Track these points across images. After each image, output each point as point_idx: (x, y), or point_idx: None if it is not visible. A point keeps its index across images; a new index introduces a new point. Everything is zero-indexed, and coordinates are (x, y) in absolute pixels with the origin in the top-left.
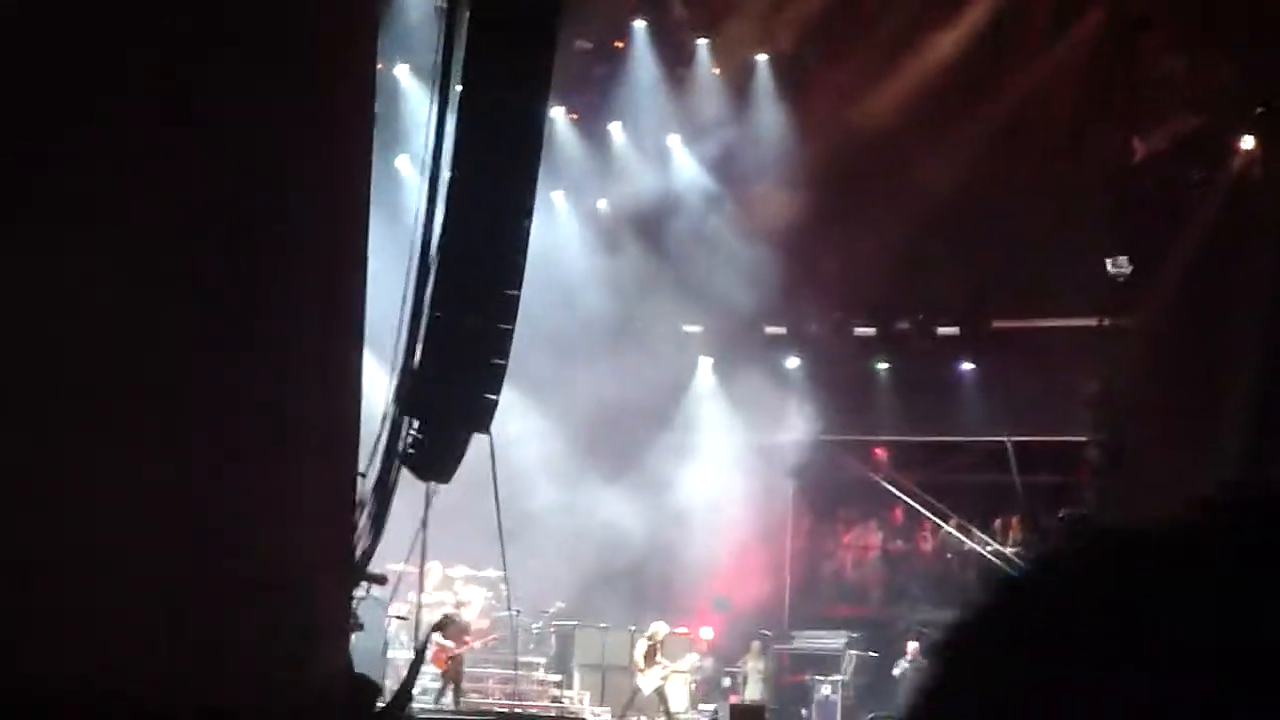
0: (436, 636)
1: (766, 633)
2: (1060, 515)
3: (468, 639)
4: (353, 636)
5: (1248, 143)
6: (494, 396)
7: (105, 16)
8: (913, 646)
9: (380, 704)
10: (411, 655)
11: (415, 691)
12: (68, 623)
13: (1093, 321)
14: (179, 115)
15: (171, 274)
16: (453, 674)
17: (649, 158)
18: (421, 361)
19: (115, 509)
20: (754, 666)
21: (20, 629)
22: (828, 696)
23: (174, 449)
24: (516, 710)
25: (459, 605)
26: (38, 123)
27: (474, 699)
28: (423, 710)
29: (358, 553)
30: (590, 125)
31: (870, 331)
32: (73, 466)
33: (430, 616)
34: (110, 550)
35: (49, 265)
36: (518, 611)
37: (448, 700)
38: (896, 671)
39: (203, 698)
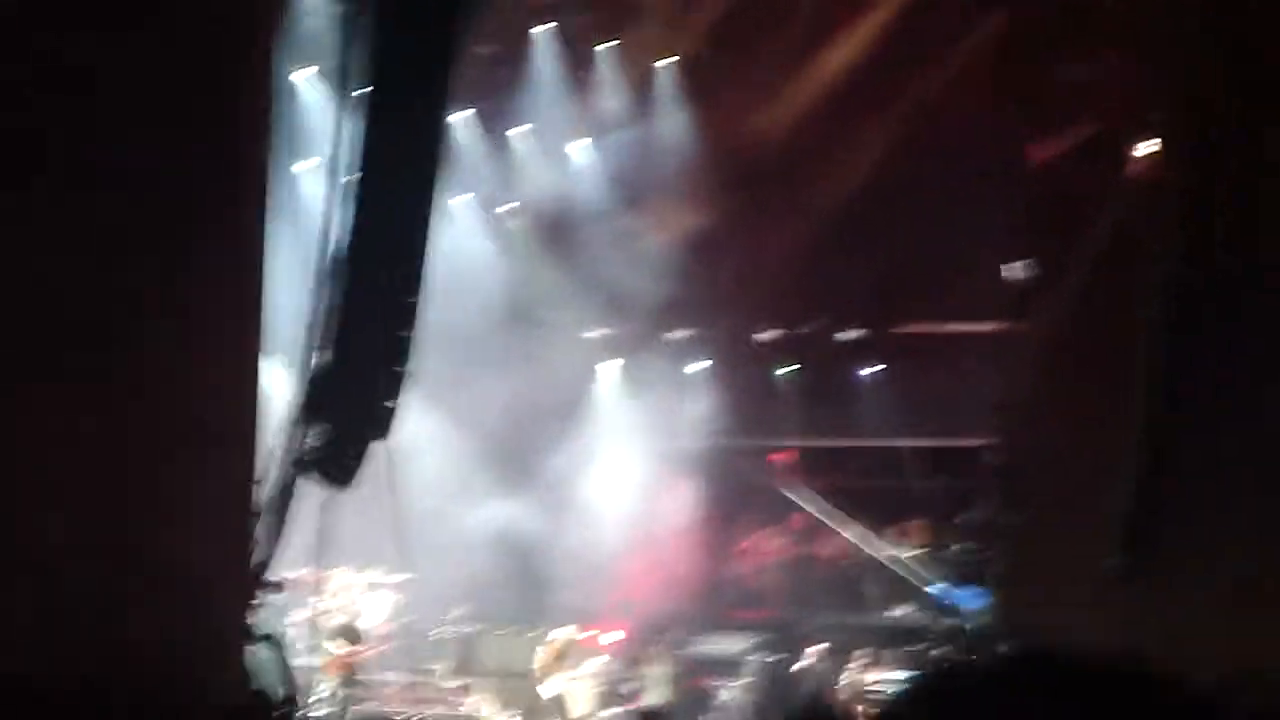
0: (329, 645)
1: (668, 637)
2: (959, 519)
3: (360, 646)
4: (252, 647)
5: (1148, 148)
6: (394, 403)
7: None
8: (813, 649)
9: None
10: (308, 664)
11: (311, 700)
12: None
13: (994, 326)
14: (74, 110)
15: (71, 272)
16: (346, 681)
17: (553, 162)
18: (321, 368)
19: (8, 507)
20: (655, 671)
21: None
22: (731, 700)
23: (71, 448)
24: (414, 718)
25: (355, 614)
26: None
27: (372, 706)
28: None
29: (256, 560)
30: (494, 130)
31: (773, 335)
32: None
33: (329, 624)
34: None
35: None
36: (416, 618)
37: (345, 707)
38: (799, 669)
39: (98, 700)
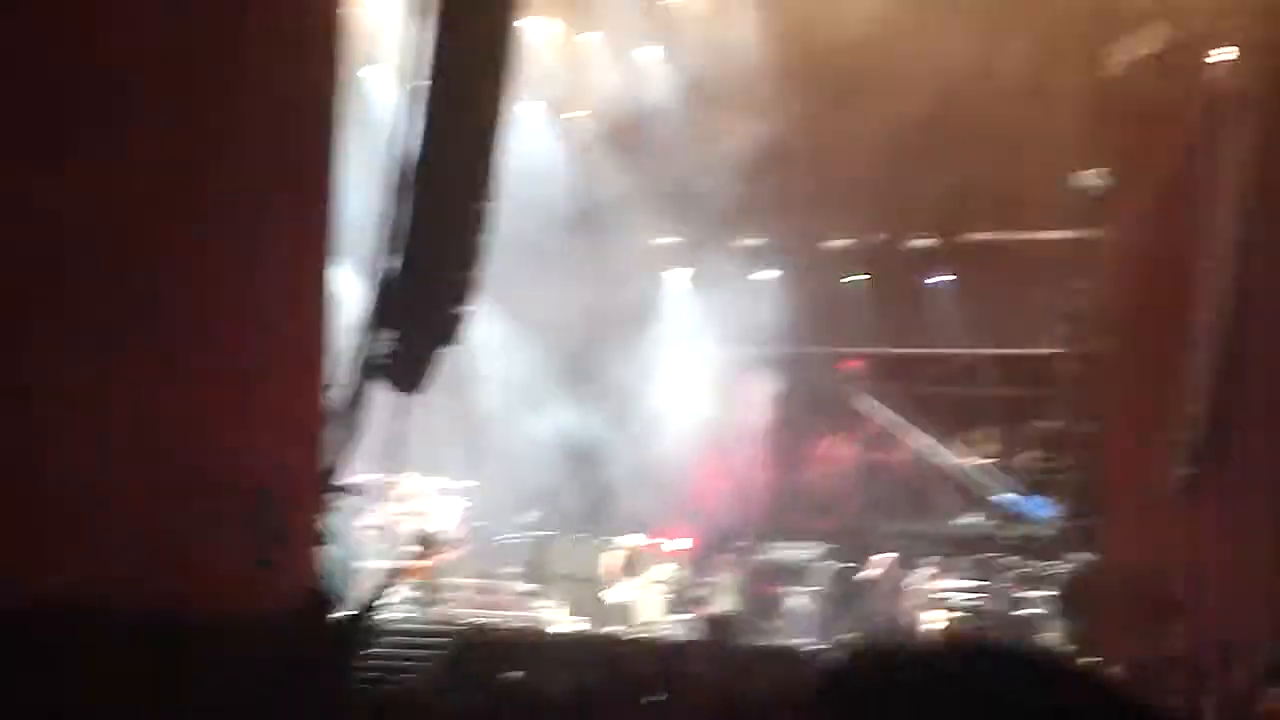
0: (407, 549)
1: (740, 543)
2: (1034, 428)
3: (436, 551)
4: (324, 549)
5: (1227, 55)
6: (464, 309)
7: None
8: (885, 557)
9: (342, 615)
10: (382, 567)
11: (381, 602)
12: (47, 533)
13: (1069, 235)
14: (150, 22)
15: (144, 186)
16: (423, 585)
17: (627, 69)
18: (394, 274)
19: (90, 416)
20: (723, 578)
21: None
22: (801, 606)
23: (149, 356)
24: (489, 620)
25: (426, 520)
26: None
27: (445, 609)
28: (390, 621)
29: (327, 464)
30: (567, 36)
31: (845, 244)
32: (49, 374)
33: (404, 529)
34: (87, 458)
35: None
36: (485, 523)
37: (423, 610)
38: (870, 578)
39: (173, 602)
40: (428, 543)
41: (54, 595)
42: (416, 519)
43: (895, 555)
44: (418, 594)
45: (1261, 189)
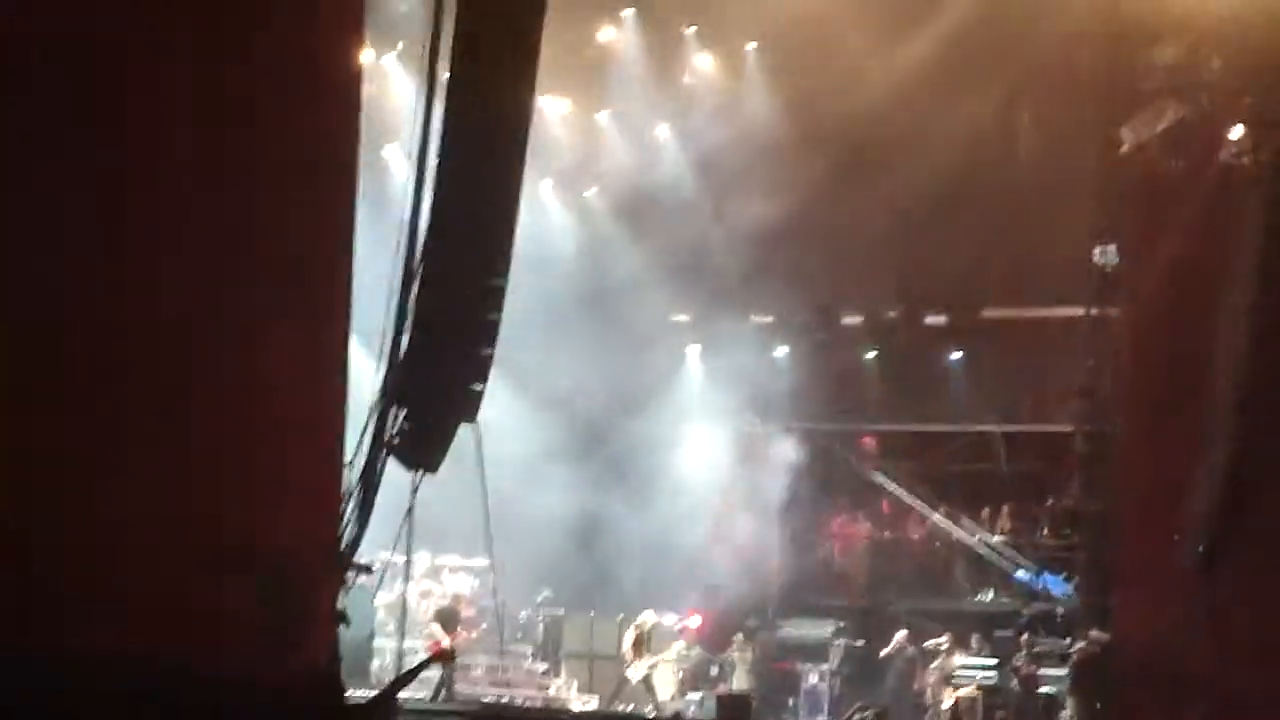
0: (434, 627)
1: (753, 622)
2: (1047, 504)
3: (459, 630)
4: (341, 626)
5: (1237, 133)
6: (481, 386)
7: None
8: (900, 634)
9: (363, 695)
10: (396, 643)
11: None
12: (64, 599)
13: (1080, 311)
14: (162, 97)
15: (161, 263)
16: (447, 663)
17: (638, 146)
18: (408, 351)
19: (109, 489)
20: (741, 656)
21: (22, 603)
22: (815, 685)
23: (166, 431)
24: (503, 700)
25: (456, 598)
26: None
27: (460, 687)
28: (408, 702)
29: (344, 541)
30: (579, 114)
31: (858, 321)
32: (69, 448)
33: (419, 605)
34: (103, 529)
35: (38, 261)
36: (504, 601)
37: (448, 688)
38: (884, 655)
39: (188, 675)
40: (452, 621)
41: (69, 661)
42: (431, 598)
43: (907, 632)
44: (446, 671)
45: (1274, 264)
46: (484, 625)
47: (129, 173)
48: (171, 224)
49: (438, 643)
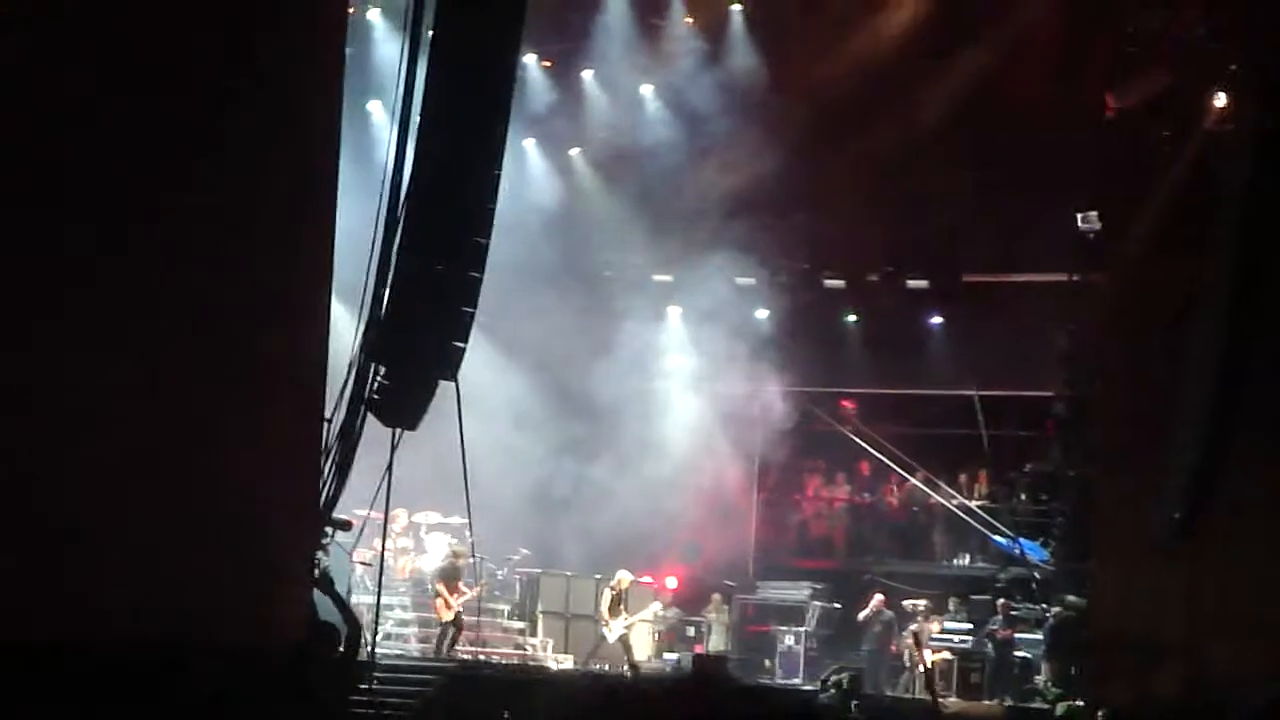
0: (439, 586)
1: (731, 583)
2: (1026, 470)
3: (461, 586)
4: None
5: (1220, 101)
6: (462, 344)
7: None
8: (877, 598)
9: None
10: (373, 600)
11: (382, 636)
12: (48, 564)
13: (1062, 277)
14: (148, 52)
15: (146, 217)
16: (457, 621)
17: (622, 106)
18: (389, 308)
19: (84, 452)
20: (717, 617)
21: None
22: (791, 647)
23: (144, 389)
24: (480, 657)
25: (456, 554)
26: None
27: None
28: (386, 655)
29: (323, 498)
30: (563, 72)
31: (840, 284)
32: (45, 407)
33: (396, 563)
34: (78, 492)
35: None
36: (482, 558)
37: (458, 651)
38: (861, 618)
39: (166, 637)
40: (453, 579)
41: (54, 625)
42: (408, 555)
43: (883, 596)
44: (445, 631)
45: (1257, 231)
46: (484, 582)
47: (112, 123)
48: (151, 178)
49: (445, 601)
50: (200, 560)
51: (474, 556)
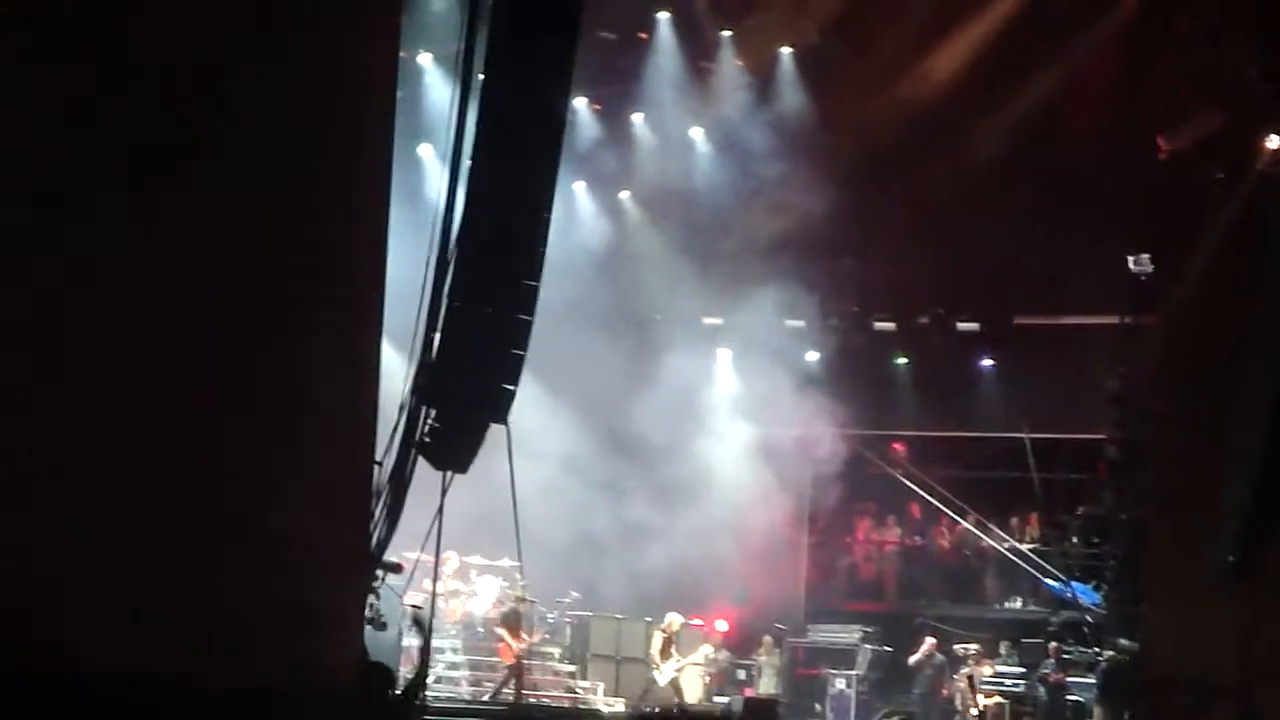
0: (501, 631)
1: (781, 626)
2: (1078, 513)
3: (522, 633)
4: (370, 626)
5: (1274, 142)
6: (512, 387)
7: None
8: (929, 641)
9: (394, 691)
10: (424, 644)
11: (433, 679)
12: (76, 599)
13: (1114, 319)
14: (200, 98)
15: (198, 261)
16: (517, 668)
17: (672, 150)
18: (439, 351)
19: (137, 488)
20: (768, 660)
21: (32, 604)
22: (842, 691)
23: (198, 430)
24: (531, 700)
25: (520, 600)
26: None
27: (488, 687)
28: (436, 698)
29: (374, 541)
30: (613, 116)
31: (890, 326)
32: (100, 446)
33: (447, 606)
34: (129, 528)
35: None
36: (533, 602)
37: (507, 693)
38: (912, 661)
39: (213, 680)
40: (515, 624)
41: (89, 664)
42: (460, 598)
43: (935, 640)
44: (506, 676)
45: None
46: (543, 631)
47: (164, 172)
48: (205, 222)
49: (508, 645)
50: (248, 604)
51: (527, 600)
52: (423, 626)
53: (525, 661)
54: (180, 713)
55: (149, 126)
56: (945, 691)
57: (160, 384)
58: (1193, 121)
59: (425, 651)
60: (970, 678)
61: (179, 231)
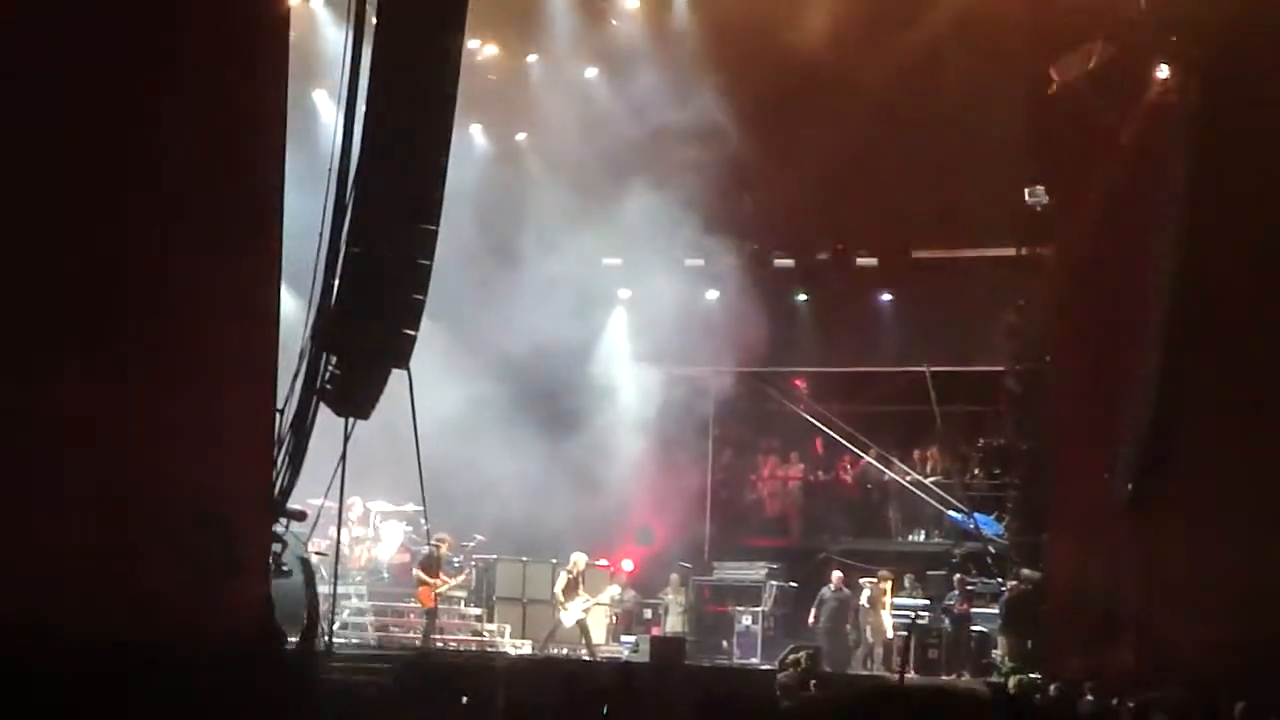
0: (419, 573)
1: (686, 565)
2: (979, 445)
3: (442, 576)
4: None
5: (1163, 72)
6: (412, 331)
7: None
8: (836, 576)
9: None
10: (329, 590)
11: (338, 625)
12: None
13: (1010, 251)
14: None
15: (91, 219)
16: (436, 610)
17: (568, 90)
18: (339, 297)
19: (40, 446)
20: (674, 598)
21: None
22: (749, 627)
23: (98, 386)
24: (437, 645)
25: (439, 542)
26: None
27: (395, 633)
28: (344, 644)
29: (277, 489)
30: (508, 57)
31: (789, 263)
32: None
33: (353, 552)
34: (33, 484)
35: None
36: (439, 545)
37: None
38: (816, 596)
39: (119, 632)
40: (432, 568)
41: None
42: (364, 543)
43: (841, 574)
44: (429, 620)
45: (1199, 200)
46: (465, 572)
47: (62, 122)
48: (103, 168)
49: (429, 588)
50: (153, 555)
51: (430, 544)
52: (312, 572)
53: (437, 603)
54: (86, 664)
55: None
56: (849, 625)
57: (60, 342)
58: (1083, 53)
59: (313, 598)
60: (875, 611)
61: (71, 192)
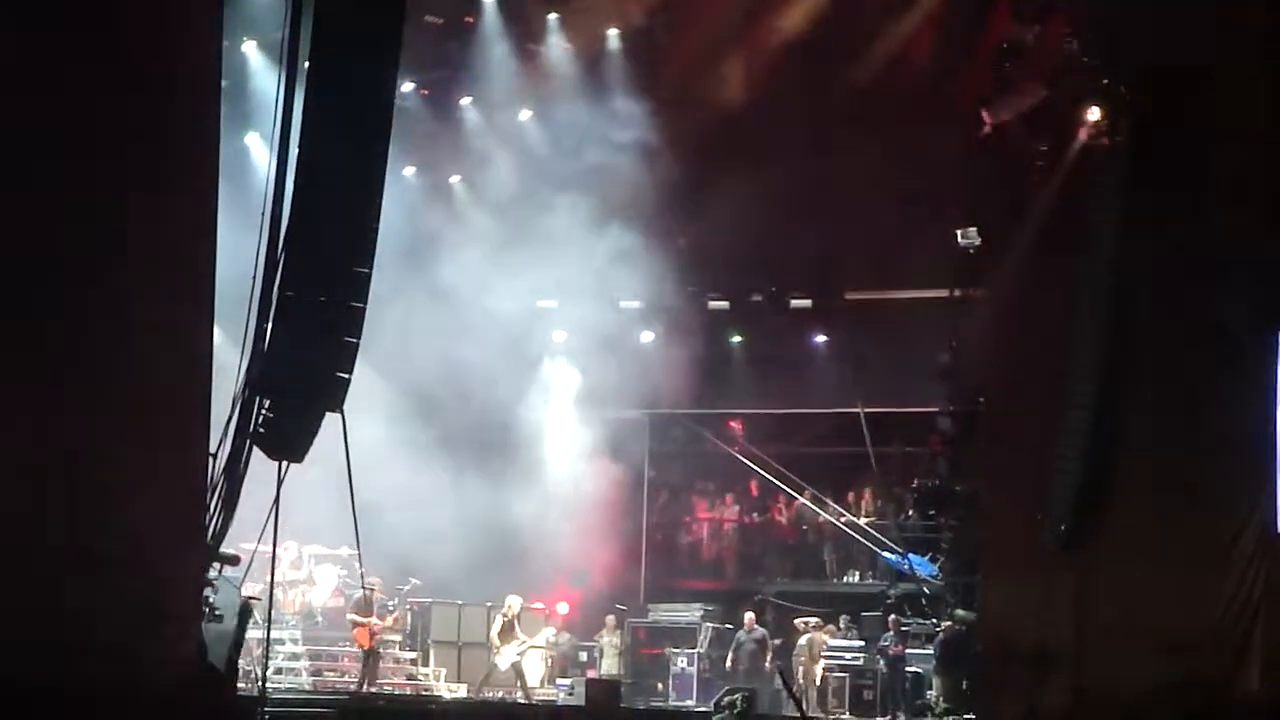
0: (353, 616)
1: (622, 607)
2: (913, 486)
3: (374, 619)
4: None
5: (1094, 114)
6: (346, 374)
7: None
8: (748, 617)
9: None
10: (263, 636)
11: (272, 671)
12: None
13: (944, 293)
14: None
15: (27, 259)
16: (374, 652)
17: (501, 133)
18: (272, 340)
19: None
20: (610, 641)
21: None
22: (684, 669)
23: (29, 428)
24: (372, 690)
25: (371, 585)
26: None
27: (329, 677)
28: (276, 688)
29: (210, 533)
30: (442, 101)
31: (724, 305)
32: None
33: (286, 596)
34: None
35: None
36: (372, 588)
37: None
38: (749, 636)
39: (50, 680)
40: (368, 610)
41: None
42: (298, 587)
43: (753, 614)
44: (366, 661)
45: (1129, 244)
46: (398, 614)
47: None
48: (34, 220)
49: (365, 629)
50: (83, 602)
51: (365, 587)
52: (246, 617)
53: (378, 650)
54: (18, 709)
55: None
56: (766, 665)
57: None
58: (1014, 96)
59: (238, 644)
60: (810, 651)
61: (7, 229)
